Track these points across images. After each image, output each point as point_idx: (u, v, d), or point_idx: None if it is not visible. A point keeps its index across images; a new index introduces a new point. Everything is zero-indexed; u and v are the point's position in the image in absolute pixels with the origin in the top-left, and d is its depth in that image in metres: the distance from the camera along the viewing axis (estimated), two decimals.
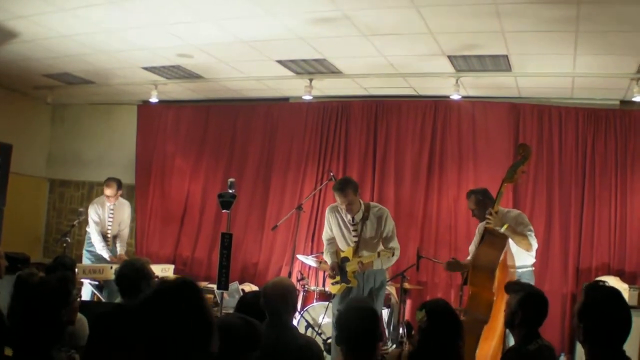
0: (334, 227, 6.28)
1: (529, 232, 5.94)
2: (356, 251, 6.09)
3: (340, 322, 3.19)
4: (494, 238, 5.58)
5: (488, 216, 5.68)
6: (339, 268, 6.14)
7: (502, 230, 5.73)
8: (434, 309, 3.35)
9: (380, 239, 6.16)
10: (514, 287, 4.05)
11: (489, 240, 5.54)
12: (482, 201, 6.30)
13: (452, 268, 6.27)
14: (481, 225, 6.10)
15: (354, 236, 6.14)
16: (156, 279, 5.22)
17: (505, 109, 8.15)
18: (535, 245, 5.97)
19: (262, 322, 3.61)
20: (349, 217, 6.12)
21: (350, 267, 6.07)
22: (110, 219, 8.19)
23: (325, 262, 7.02)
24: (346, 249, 6.18)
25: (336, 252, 6.27)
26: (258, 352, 2.79)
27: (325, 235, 6.47)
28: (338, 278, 6.14)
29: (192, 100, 9.95)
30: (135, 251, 9.76)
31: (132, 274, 4.05)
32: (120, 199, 8.39)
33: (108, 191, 8.18)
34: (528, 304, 3.74)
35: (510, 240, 5.69)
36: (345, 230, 6.20)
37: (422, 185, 8.42)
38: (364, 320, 3.15)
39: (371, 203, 6.34)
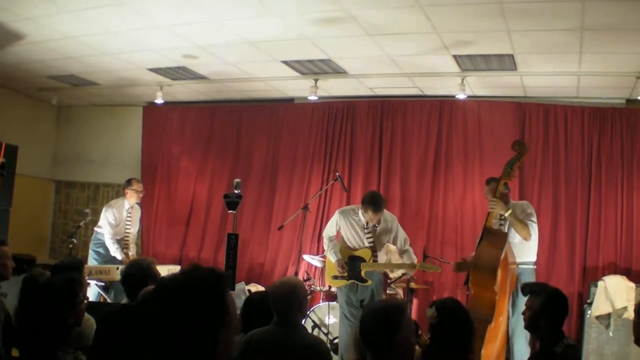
0: (344, 228, 6.44)
1: (530, 222, 5.92)
2: (373, 252, 6.29)
3: (361, 332, 3.15)
4: (493, 237, 5.53)
5: (492, 201, 5.68)
6: (347, 265, 6.31)
7: (506, 215, 5.76)
8: (444, 305, 3.34)
9: (390, 241, 6.42)
10: (533, 288, 4.01)
11: (488, 239, 5.49)
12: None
13: (461, 269, 6.21)
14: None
15: (368, 237, 6.34)
16: None
17: (510, 108, 8.14)
18: (534, 236, 5.95)
19: (270, 321, 3.63)
20: (364, 221, 6.32)
21: (365, 268, 6.24)
22: (129, 223, 8.19)
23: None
24: (361, 250, 6.33)
25: (340, 249, 6.43)
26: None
27: (328, 232, 6.61)
28: (345, 274, 6.28)
29: (198, 101, 9.96)
30: (141, 252, 9.76)
31: (138, 274, 4.04)
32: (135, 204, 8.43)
33: (140, 187, 8.29)
34: (553, 304, 3.73)
35: (509, 236, 5.70)
36: (359, 232, 6.38)
37: (428, 185, 8.42)
38: (373, 323, 3.11)
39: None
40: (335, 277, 6.38)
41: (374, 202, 6.24)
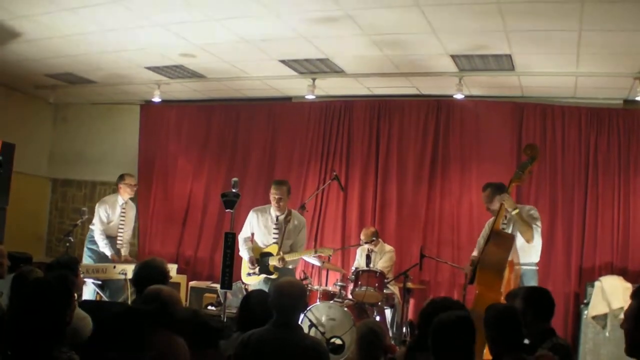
0: (256, 226, 6.95)
1: (535, 226, 5.96)
2: (280, 248, 6.73)
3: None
4: (500, 239, 5.59)
5: (502, 196, 5.77)
6: (258, 262, 6.84)
7: (513, 213, 5.79)
8: (432, 302, 3.36)
9: (293, 242, 6.90)
10: (512, 293, 4.05)
11: (495, 241, 5.54)
12: (494, 196, 6.21)
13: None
14: (491, 221, 6.12)
15: (274, 234, 6.82)
16: None
17: (508, 109, 8.14)
18: (536, 240, 5.98)
19: (266, 319, 3.61)
20: (274, 215, 6.86)
21: (272, 261, 6.71)
22: (122, 220, 8.11)
23: (328, 261, 7.23)
24: (270, 246, 6.86)
25: (252, 248, 6.94)
26: None
27: (244, 234, 7.01)
28: (256, 270, 6.80)
29: (195, 100, 9.95)
30: (137, 251, 9.75)
31: (154, 276, 4.02)
32: (129, 200, 8.35)
33: (133, 180, 8.24)
34: (534, 297, 3.73)
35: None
36: (268, 229, 6.89)
37: (424, 184, 8.42)
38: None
39: (293, 210, 7.03)
40: (249, 274, 6.87)
41: (275, 181, 7.15)
